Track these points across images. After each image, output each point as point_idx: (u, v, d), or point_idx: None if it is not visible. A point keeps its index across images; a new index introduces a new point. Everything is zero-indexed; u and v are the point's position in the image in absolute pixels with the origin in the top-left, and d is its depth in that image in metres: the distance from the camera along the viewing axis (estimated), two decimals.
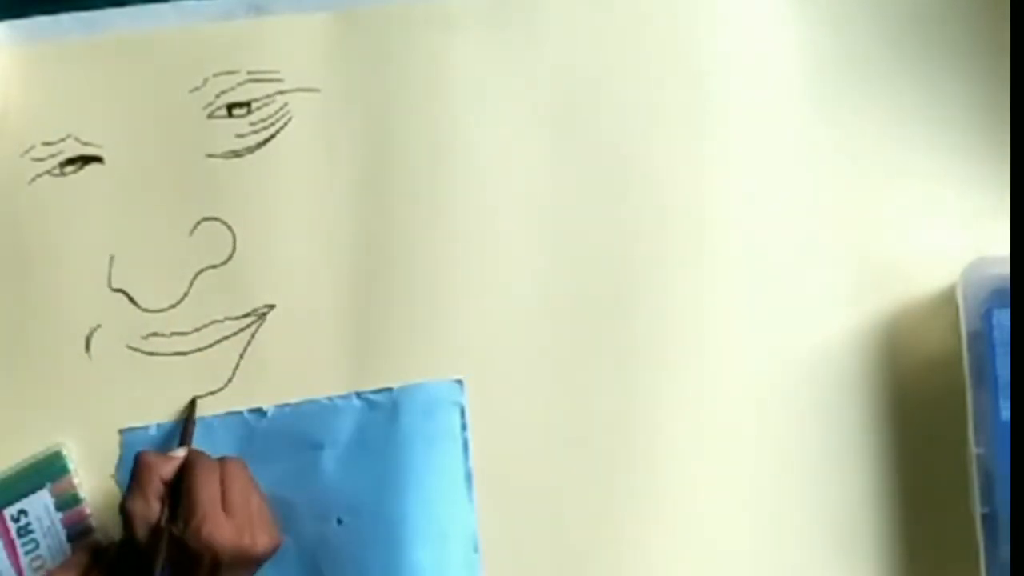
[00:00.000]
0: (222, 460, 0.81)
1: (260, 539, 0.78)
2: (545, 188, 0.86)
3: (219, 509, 0.77)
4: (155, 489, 0.78)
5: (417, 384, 0.85)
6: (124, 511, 0.78)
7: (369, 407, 0.85)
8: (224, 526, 0.77)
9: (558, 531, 0.85)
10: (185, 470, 0.79)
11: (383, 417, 0.85)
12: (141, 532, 0.78)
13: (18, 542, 0.85)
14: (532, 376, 0.85)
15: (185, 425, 0.84)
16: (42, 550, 0.85)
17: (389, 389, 0.85)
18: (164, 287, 0.86)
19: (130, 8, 0.87)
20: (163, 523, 0.77)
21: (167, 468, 0.79)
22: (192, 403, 0.85)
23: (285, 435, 0.85)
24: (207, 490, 0.78)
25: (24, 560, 0.85)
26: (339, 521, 0.84)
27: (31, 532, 0.85)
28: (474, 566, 0.85)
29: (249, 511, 0.79)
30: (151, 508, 0.78)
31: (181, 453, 0.81)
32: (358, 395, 0.85)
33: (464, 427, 0.85)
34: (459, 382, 0.85)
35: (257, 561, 0.79)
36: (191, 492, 0.78)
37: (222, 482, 0.79)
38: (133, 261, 0.86)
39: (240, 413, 0.85)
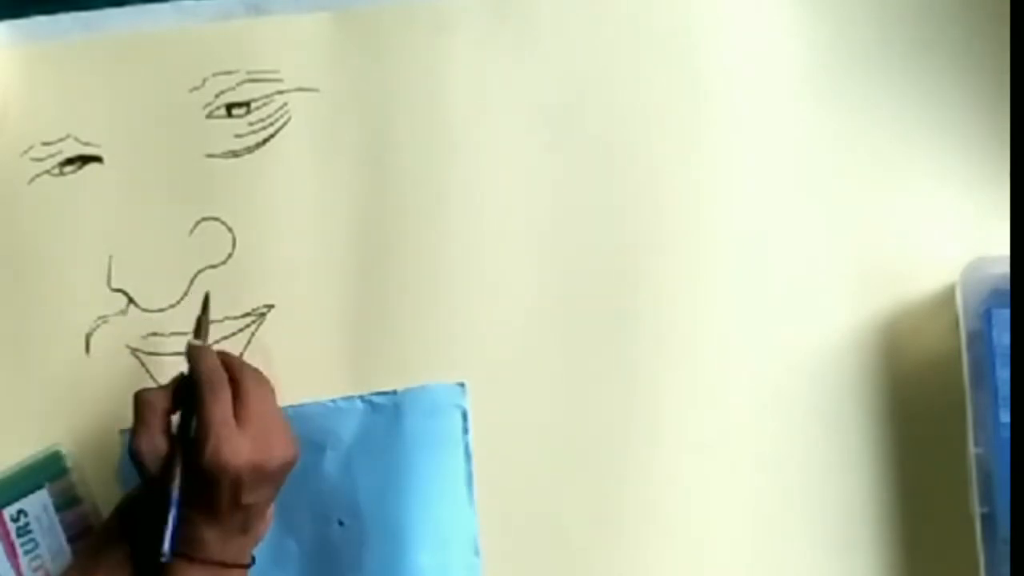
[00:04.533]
0: (239, 370, 0.79)
1: (275, 451, 0.77)
2: (545, 189, 0.86)
3: (232, 427, 0.75)
4: (159, 424, 0.77)
5: (419, 387, 0.85)
6: (133, 454, 0.76)
7: (372, 409, 0.85)
8: (239, 444, 0.75)
9: (559, 535, 0.85)
10: (196, 390, 0.77)
11: (385, 420, 0.85)
12: (154, 469, 0.76)
13: (17, 542, 0.84)
14: (534, 379, 0.85)
15: (199, 321, 0.82)
16: (42, 550, 0.85)
17: (392, 392, 0.85)
18: (164, 287, 0.86)
19: (130, 8, 0.87)
20: (176, 452, 0.76)
21: (168, 399, 0.78)
22: (206, 297, 0.84)
23: None
24: (218, 409, 0.75)
25: (24, 560, 0.85)
26: (341, 523, 0.84)
27: (30, 532, 0.85)
28: (475, 569, 0.84)
29: (265, 423, 0.77)
30: (158, 444, 0.76)
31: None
32: (361, 398, 0.85)
33: (466, 430, 0.85)
34: (461, 385, 0.85)
35: (276, 475, 0.77)
36: (202, 414, 0.75)
37: (236, 395, 0.77)
38: (133, 261, 0.86)
39: None
